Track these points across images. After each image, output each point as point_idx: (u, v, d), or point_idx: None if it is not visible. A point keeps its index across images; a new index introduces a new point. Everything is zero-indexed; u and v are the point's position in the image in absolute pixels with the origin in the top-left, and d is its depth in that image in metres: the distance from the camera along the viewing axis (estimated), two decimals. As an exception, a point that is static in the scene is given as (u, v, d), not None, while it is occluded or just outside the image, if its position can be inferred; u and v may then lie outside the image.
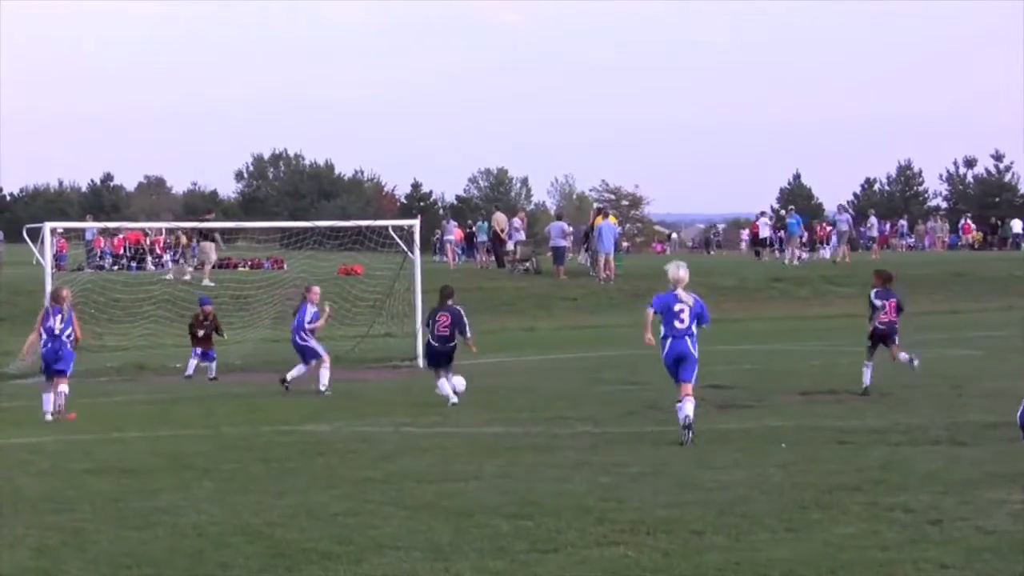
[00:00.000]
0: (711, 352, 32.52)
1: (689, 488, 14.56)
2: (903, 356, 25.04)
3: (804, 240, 72.08)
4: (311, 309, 28.37)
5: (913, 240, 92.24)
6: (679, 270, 19.25)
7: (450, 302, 25.67)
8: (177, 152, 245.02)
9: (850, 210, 76.65)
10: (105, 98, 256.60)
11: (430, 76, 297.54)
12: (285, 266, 52.77)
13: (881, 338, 25.06)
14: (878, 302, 25.10)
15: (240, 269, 61.86)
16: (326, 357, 27.94)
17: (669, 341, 19.02)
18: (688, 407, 18.69)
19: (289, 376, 28.05)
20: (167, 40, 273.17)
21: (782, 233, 74.90)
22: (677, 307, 18.96)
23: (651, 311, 19.16)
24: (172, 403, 26.25)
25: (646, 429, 20.16)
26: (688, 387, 18.90)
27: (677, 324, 18.95)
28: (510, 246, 61.51)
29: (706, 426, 19.85)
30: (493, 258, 62.71)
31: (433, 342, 25.43)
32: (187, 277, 51.56)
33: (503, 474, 15.92)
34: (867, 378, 24.85)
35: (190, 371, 32.49)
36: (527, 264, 59.06)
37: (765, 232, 72.01)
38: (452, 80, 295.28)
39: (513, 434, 20.01)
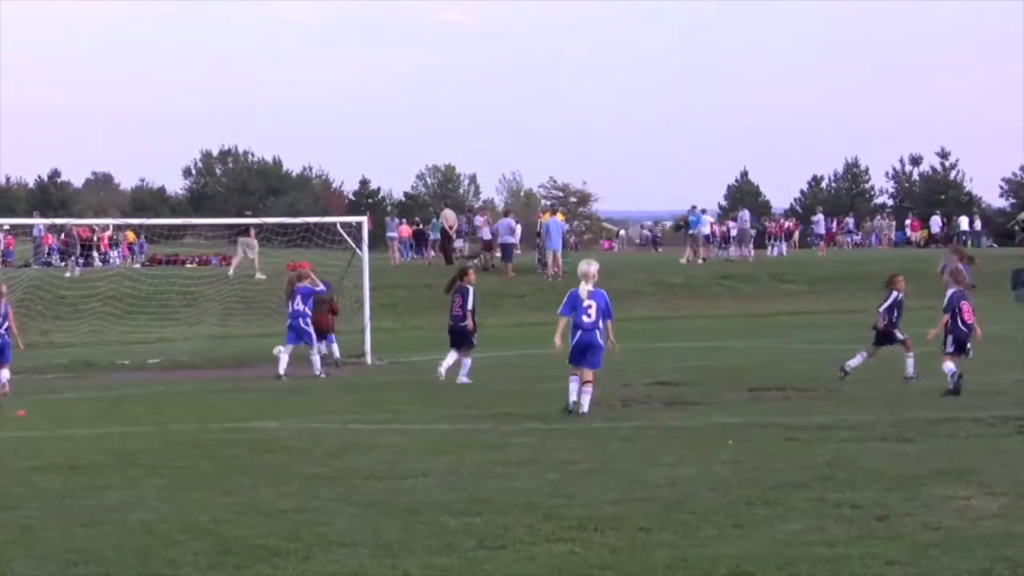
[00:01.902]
0: (658, 349, 32.65)
1: (637, 485, 14.59)
2: (909, 364, 25.92)
3: (709, 238, 71.80)
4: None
5: (860, 237, 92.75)
6: (589, 266, 21.21)
7: (460, 283, 28.05)
8: (125, 149, 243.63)
9: (746, 209, 76.80)
10: (52, 94, 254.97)
11: (378, 74, 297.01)
12: (233, 262, 52.71)
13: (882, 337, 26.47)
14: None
15: (188, 266, 61.80)
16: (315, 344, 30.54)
17: (579, 334, 20.94)
18: (586, 400, 20.83)
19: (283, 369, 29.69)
20: (115, 38, 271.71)
21: (727, 229, 75.15)
22: (585, 304, 20.87)
23: (564, 319, 21.08)
24: (120, 400, 26.12)
25: (594, 426, 20.16)
26: (591, 373, 20.96)
27: (585, 319, 20.88)
28: (458, 243, 61.39)
29: (653, 423, 19.98)
30: (442, 255, 62.62)
31: (449, 322, 28.08)
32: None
33: (451, 471, 15.91)
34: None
35: (336, 354, 33.32)
36: (475, 261, 59.02)
37: (706, 229, 72.03)
38: (401, 78, 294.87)
39: (462, 431, 20.00)
